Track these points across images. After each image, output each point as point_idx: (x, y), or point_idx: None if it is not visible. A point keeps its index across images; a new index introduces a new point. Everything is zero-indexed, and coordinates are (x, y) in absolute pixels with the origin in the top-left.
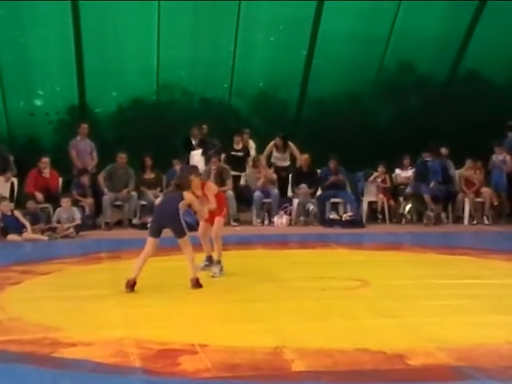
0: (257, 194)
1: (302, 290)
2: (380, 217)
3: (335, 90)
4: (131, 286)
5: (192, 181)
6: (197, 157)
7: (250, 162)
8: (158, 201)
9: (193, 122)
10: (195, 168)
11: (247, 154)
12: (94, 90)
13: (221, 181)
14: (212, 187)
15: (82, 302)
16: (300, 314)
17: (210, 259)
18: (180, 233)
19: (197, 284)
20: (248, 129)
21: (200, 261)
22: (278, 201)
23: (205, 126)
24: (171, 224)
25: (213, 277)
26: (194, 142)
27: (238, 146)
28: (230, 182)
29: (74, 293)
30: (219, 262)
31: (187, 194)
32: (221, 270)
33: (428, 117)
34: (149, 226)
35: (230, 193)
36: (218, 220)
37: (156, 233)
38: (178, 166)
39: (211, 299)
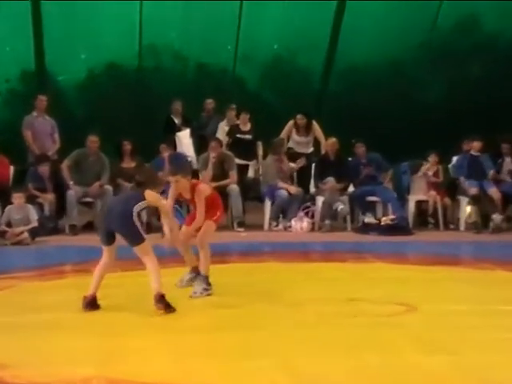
0: (281, 192)
1: (326, 316)
2: (431, 221)
3: (371, 56)
4: (89, 303)
5: (178, 182)
6: (186, 140)
7: (260, 150)
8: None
9: (187, 95)
10: (183, 165)
11: (257, 138)
12: (56, 51)
13: (222, 172)
14: (204, 191)
15: (37, 328)
16: (323, 346)
17: (196, 271)
18: (133, 239)
19: (161, 301)
20: (245, 108)
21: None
22: (299, 199)
23: (210, 101)
24: (120, 229)
25: (191, 297)
26: (176, 121)
27: (246, 127)
28: (233, 174)
29: (28, 317)
30: (206, 277)
31: (150, 193)
32: (206, 288)
33: (494, 89)
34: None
35: (234, 188)
36: (208, 224)
37: (106, 240)
38: (166, 153)
39: (206, 326)
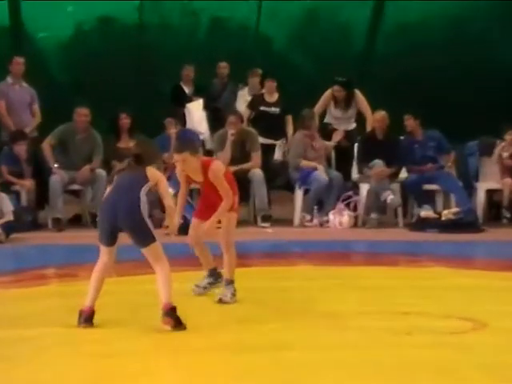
0: (319, 176)
1: (372, 334)
2: (507, 215)
3: (427, 12)
4: (87, 318)
5: (185, 161)
6: (198, 112)
7: (290, 127)
8: (107, 189)
9: (199, 59)
10: (191, 140)
11: (286, 111)
12: (35, 3)
13: (242, 153)
14: (220, 169)
15: (14, 347)
16: (370, 372)
17: (214, 273)
18: (144, 238)
19: (171, 314)
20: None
21: (196, 280)
22: (338, 188)
23: (224, 65)
24: (127, 225)
25: (220, 302)
26: (187, 90)
27: (272, 97)
28: (257, 156)
29: (2, 334)
30: (231, 281)
31: (152, 170)
32: (233, 294)
33: None
34: (98, 229)
35: (258, 173)
36: (229, 217)
37: (109, 239)
38: (172, 130)
39: (227, 345)
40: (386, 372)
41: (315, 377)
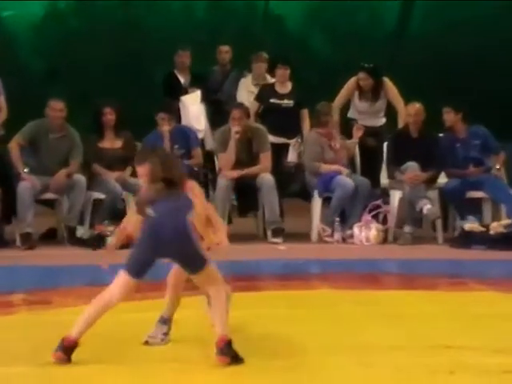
0: (344, 181)
1: (405, 372)
2: None
3: None
4: (66, 349)
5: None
6: (194, 106)
7: (306, 123)
8: (150, 212)
9: (197, 42)
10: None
11: (301, 104)
12: None
13: (249, 155)
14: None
15: None
16: None
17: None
18: (197, 263)
19: (228, 350)
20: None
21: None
22: (364, 196)
23: (226, 49)
24: (179, 252)
25: (147, 344)
26: (182, 80)
27: (284, 89)
28: (266, 157)
29: None
30: (168, 320)
31: (194, 186)
32: (165, 333)
33: None
34: (131, 252)
35: (268, 178)
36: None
37: (142, 269)
38: (166, 127)
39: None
40: None
41: None
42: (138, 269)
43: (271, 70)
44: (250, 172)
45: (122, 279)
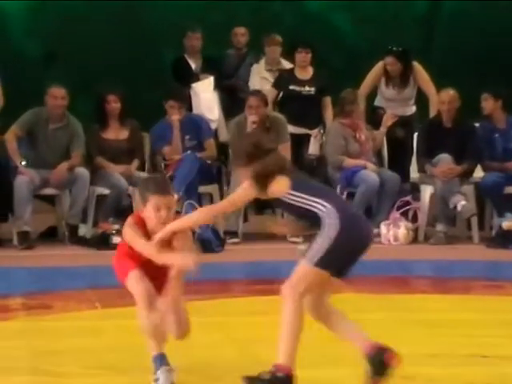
0: (369, 176)
1: (440, 382)
2: None
3: None
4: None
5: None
6: (207, 94)
7: (329, 111)
8: (348, 207)
9: (209, 24)
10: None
11: (323, 91)
12: None
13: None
14: None
15: None
16: None
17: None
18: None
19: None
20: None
21: None
22: (393, 192)
23: (243, 31)
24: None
25: None
26: (193, 65)
27: (305, 74)
28: (285, 148)
29: None
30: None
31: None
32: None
33: None
34: (324, 252)
35: None
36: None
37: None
38: (175, 116)
39: None
40: None
41: None
42: (346, 269)
43: (290, 54)
44: None
45: (319, 273)
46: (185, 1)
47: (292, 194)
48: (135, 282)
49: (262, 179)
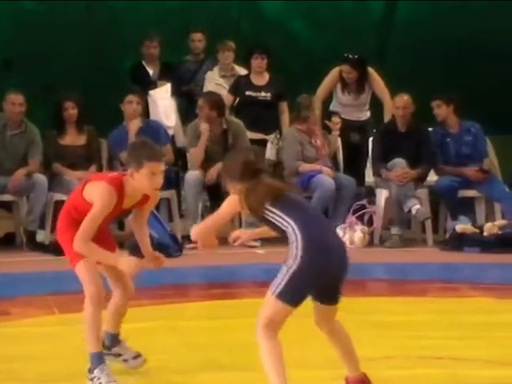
0: (324, 180)
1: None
2: None
3: None
4: None
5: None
6: (163, 101)
7: (285, 116)
8: (319, 233)
9: (167, 29)
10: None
11: (279, 96)
12: None
13: (224, 149)
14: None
15: None
16: None
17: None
18: (340, 295)
19: None
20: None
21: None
22: (348, 196)
23: (199, 36)
24: (342, 279)
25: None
26: (150, 72)
27: (261, 80)
28: None
29: None
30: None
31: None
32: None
33: None
34: (286, 282)
35: None
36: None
37: (304, 298)
38: (135, 120)
39: None
40: None
41: None
42: (301, 297)
43: (247, 60)
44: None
45: (280, 306)
46: (143, 7)
47: (269, 210)
48: (87, 278)
49: (255, 206)
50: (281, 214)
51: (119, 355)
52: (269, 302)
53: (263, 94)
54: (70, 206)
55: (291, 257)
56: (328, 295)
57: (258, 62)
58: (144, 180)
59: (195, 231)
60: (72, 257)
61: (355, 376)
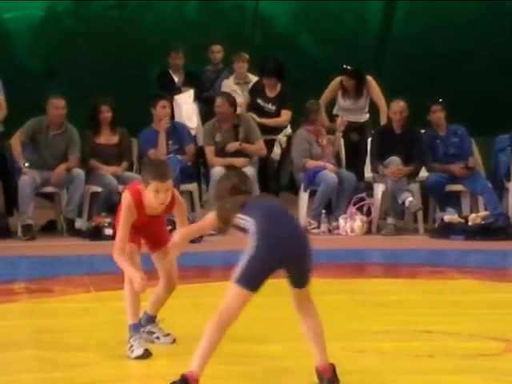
0: (328, 176)
1: (388, 355)
2: None
3: None
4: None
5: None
6: (187, 105)
7: (282, 117)
8: (268, 211)
9: (190, 43)
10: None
11: (283, 107)
12: None
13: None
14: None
15: None
16: None
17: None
18: (309, 276)
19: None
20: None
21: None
22: (349, 189)
23: (218, 48)
24: (307, 260)
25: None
26: (176, 79)
27: (273, 92)
28: (260, 142)
29: None
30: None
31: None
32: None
33: None
34: (247, 262)
35: (249, 170)
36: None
37: (261, 282)
38: (164, 122)
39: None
40: None
41: None
42: (258, 280)
43: (261, 70)
44: (247, 149)
45: (238, 292)
46: (167, 22)
47: (237, 217)
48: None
49: (223, 219)
50: (244, 217)
51: (152, 333)
52: (228, 289)
53: (270, 105)
54: (119, 210)
55: (249, 247)
56: (295, 280)
57: (267, 82)
58: (150, 196)
59: (181, 234)
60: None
61: (325, 364)
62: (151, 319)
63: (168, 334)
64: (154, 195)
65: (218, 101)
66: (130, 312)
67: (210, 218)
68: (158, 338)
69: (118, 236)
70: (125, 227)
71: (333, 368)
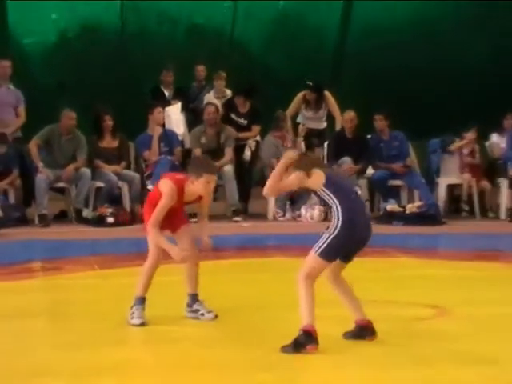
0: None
1: (343, 322)
2: (466, 208)
3: (396, 12)
4: (312, 337)
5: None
6: (175, 115)
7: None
8: (353, 192)
9: (178, 62)
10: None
11: (253, 122)
12: (21, 9)
13: (217, 147)
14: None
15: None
16: (342, 359)
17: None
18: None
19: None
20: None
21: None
22: None
23: (201, 67)
24: (364, 246)
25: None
26: (166, 93)
27: (244, 108)
28: (229, 151)
29: None
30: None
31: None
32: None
33: None
34: (329, 241)
35: (228, 170)
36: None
37: (336, 257)
38: (158, 127)
39: (201, 338)
40: (358, 358)
41: (282, 364)
42: (332, 257)
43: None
44: (220, 164)
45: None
46: (159, 45)
47: (323, 191)
48: (153, 243)
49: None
50: (329, 193)
51: (197, 311)
52: (311, 259)
53: (242, 120)
54: (151, 196)
55: (332, 227)
56: (349, 256)
57: (239, 100)
58: (201, 186)
59: (268, 187)
60: (148, 227)
61: (363, 320)
62: (195, 298)
63: (210, 311)
64: (205, 185)
65: (211, 108)
66: (142, 285)
67: (294, 175)
68: (202, 314)
69: (155, 216)
70: (163, 210)
71: (371, 323)
